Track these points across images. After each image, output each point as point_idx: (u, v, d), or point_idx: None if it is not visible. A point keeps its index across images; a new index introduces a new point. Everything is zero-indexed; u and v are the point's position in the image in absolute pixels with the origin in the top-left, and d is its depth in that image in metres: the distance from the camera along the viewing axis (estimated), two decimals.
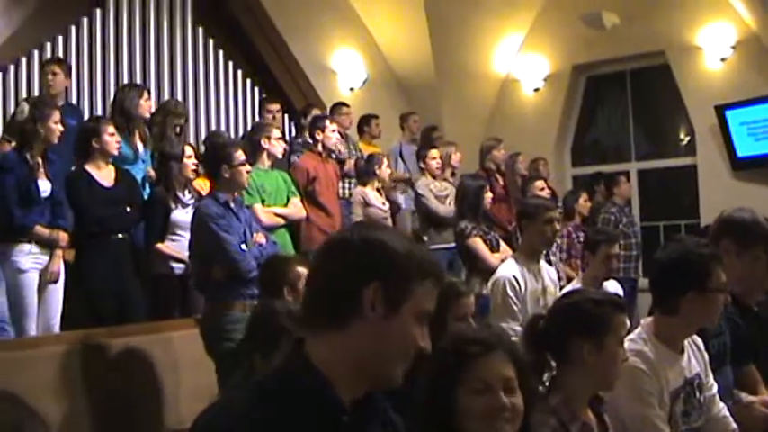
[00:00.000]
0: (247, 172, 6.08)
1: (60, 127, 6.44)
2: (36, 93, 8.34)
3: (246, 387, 2.00)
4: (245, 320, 5.32)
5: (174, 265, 6.86)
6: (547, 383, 3.12)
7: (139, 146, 7.60)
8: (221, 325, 5.55)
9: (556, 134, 12.60)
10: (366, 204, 8.40)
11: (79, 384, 5.79)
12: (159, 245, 6.86)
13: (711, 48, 10.93)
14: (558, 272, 6.93)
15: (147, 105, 7.84)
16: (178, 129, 8.06)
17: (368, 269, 1.93)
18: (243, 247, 5.77)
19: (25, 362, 5.56)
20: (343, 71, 11.93)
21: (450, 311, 4.08)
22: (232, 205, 5.91)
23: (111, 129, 6.75)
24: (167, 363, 6.31)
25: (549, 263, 7.12)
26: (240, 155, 5.95)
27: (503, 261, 6.61)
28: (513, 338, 4.96)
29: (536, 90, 12.69)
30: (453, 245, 8.15)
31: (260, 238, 5.96)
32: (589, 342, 3.02)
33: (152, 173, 7.55)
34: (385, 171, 8.73)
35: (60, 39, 9.25)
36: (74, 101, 9.03)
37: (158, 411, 6.15)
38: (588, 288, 4.77)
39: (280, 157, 7.77)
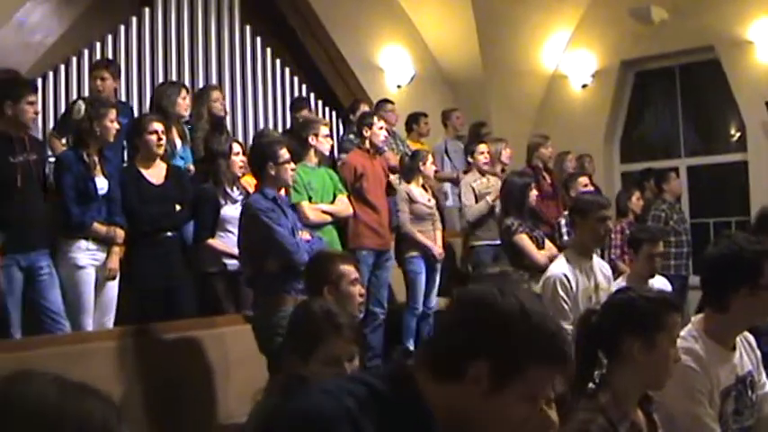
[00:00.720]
0: (292, 170, 6.09)
1: (116, 125, 6.50)
2: (87, 92, 8.42)
3: (359, 384, 1.93)
4: None
5: (226, 261, 6.86)
6: (597, 381, 3.09)
7: (177, 142, 7.65)
8: (274, 321, 5.49)
9: (604, 130, 12.51)
10: (411, 201, 8.39)
11: (130, 379, 5.86)
12: (210, 240, 6.89)
13: (763, 42, 10.77)
14: (612, 268, 6.86)
15: (185, 103, 7.87)
16: (218, 107, 8.14)
17: (483, 342, 1.88)
18: (296, 240, 5.78)
19: (78, 356, 5.64)
20: (391, 68, 11.93)
21: None
22: (279, 201, 5.93)
23: (152, 127, 6.77)
24: (217, 358, 6.37)
25: (603, 258, 7.07)
26: (285, 153, 5.96)
27: (549, 258, 6.59)
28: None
29: (584, 86, 12.61)
30: (498, 241, 8.13)
31: (304, 235, 5.97)
32: (640, 340, 2.97)
33: (191, 168, 7.61)
34: (429, 168, 8.71)
35: (110, 38, 9.35)
36: (123, 99, 9.14)
37: (208, 406, 6.21)
38: (641, 286, 4.70)
39: (327, 154, 7.79)
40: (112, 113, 6.47)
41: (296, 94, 10.95)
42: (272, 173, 5.89)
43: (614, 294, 3.35)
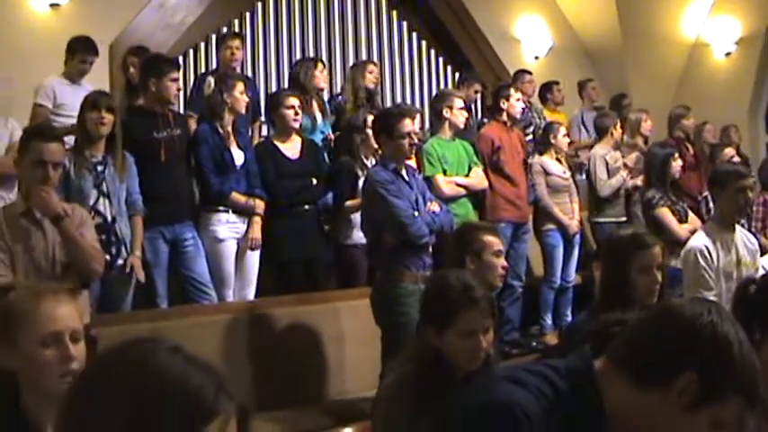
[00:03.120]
0: (410, 144, 5.91)
1: (246, 97, 6.62)
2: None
3: (544, 381, 1.93)
4: (418, 293, 5.32)
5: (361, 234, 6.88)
6: None
7: (318, 116, 7.75)
8: (393, 297, 5.46)
9: (749, 100, 12.16)
10: (546, 173, 8.30)
11: (244, 353, 5.88)
12: (348, 202, 6.90)
13: None
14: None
15: (323, 77, 8.01)
16: (373, 78, 8.28)
17: (700, 357, 1.85)
18: (414, 213, 5.71)
19: (218, 327, 5.78)
20: (528, 39, 11.84)
21: (633, 262, 4.03)
22: (403, 172, 5.82)
23: (289, 102, 6.84)
24: (335, 333, 6.36)
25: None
26: (404, 125, 5.76)
27: (691, 232, 6.42)
28: None
29: (727, 54, 12.27)
30: (624, 218, 8.10)
31: (434, 206, 5.87)
32: None
33: (331, 137, 7.72)
34: (561, 140, 8.57)
35: (248, 15, 9.53)
36: (261, 76, 9.34)
37: (322, 381, 6.20)
38: None
39: (461, 127, 7.76)
40: (241, 85, 6.60)
41: (432, 66, 10.96)
42: (390, 145, 5.80)
43: None
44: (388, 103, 10.10)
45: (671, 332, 1.90)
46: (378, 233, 5.70)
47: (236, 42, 8.05)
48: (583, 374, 1.94)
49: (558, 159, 8.50)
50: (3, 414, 2.42)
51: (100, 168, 5.63)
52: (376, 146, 6.36)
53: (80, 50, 7.27)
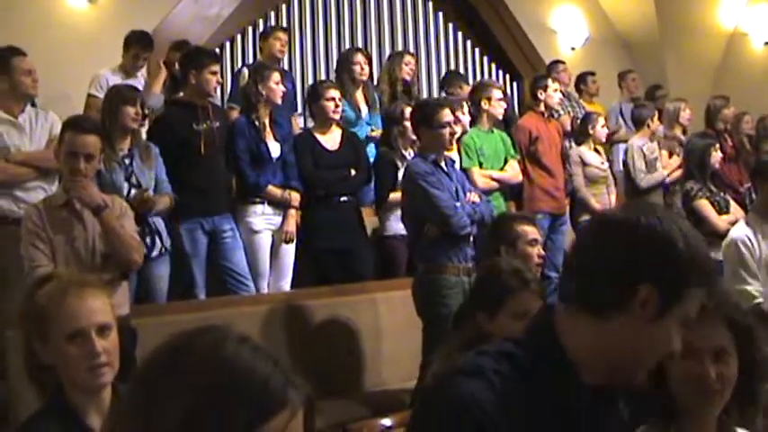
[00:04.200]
0: (451, 134, 5.92)
1: (282, 87, 6.61)
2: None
3: (495, 356, 1.90)
4: (460, 285, 5.34)
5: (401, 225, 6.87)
6: None
7: (363, 107, 7.75)
8: (436, 289, 5.46)
9: None
10: (584, 164, 8.27)
11: (281, 343, 5.88)
12: (390, 195, 6.90)
13: None
14: None
15: (366, 68, 8.01)
16: (409, 70, 8.25)
17: (648, 267, 1.82)
18: (456, 204, 5.70)
19: (255, 317, 5.82)
20: (564, 30, 11.79)
21: None
22: (442, 164, 5.80)
23: (330, 93, 6.84)
24: (373, 324, 6.40)
25: None
26: (441, 117, 5.75)
27: (731, 224, 6.37)
28: (758, 300, 4.79)
29: (766, 44, 12.14)
30: None
31: (474, 197, 5.85)
32: None
33: (372, 133, 7.72)
34: (600, 131, 8.53)
35: (284, 7, 9.56)
36: (297, 68, 9.37)
37: (359, 372, 6.24)
38: None
39: (500, 118, 7.74)
40: (276, 75, 6.59)
41: (469, 58, 10.94)
42: (428, 136, 5.78)
43: None
44: (425, 95, 10.10)
45: (612, 254, 1.85)
46: (419, 225, 5.68)
47: (285, 36, 8.14)
48: (541, 330, 1.92)
49: (596, 150, 8.46)
50: (52, 403, 2.46)
51: (128, 161, 5.69)
52: (414, 137, 6.34)
53: (134, 45, 7.44)
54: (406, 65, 8.34)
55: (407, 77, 8.29)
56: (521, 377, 1.83)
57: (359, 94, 7.86)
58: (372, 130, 7.80)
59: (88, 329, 2.44)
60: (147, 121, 6.07)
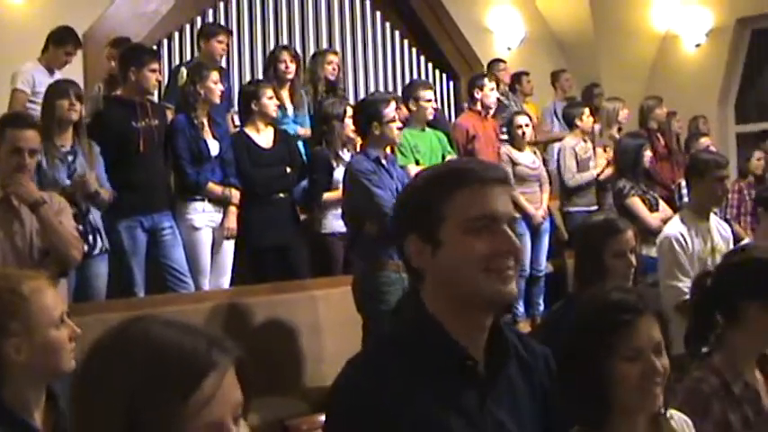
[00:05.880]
0: (398, 128, 6.01)
1: (220, 86, 6.65)
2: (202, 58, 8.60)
3: (379, 341, 2.05)
4: (400, 282, 5.34)
5: (339, 223, 6.89)
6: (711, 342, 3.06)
7: (289, 107, 7.78)
8: (376, 286, 5.52)
9: (719, 91, 12.27)
10: (513, 163, 8.34)
11: (235, 338, 5.89)
12: (327, 193, 6.95)
13: None
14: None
15: (292, 67, 7.98)
16: (332, 69, 8.27)
17: (403, 224, 2.00)
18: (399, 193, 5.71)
19: (194, 315, 5.68)
20: (500, 30, 11.87)
21: (607, 248, 4.07)
22: (384, 162, 5.83)
23: (269, 92, 6.89)
24: (312, 321, 6.42)
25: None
26: (390, 111, 5.85)
27: (662, 221, 6.50)
28: (687, 296, 4.88)
29: (698, 45, 12.36)
30: (594, 207, 8.25)
31: None
32: (757, 302, 2.92)
33: (301, 132, 7.72)
34: (525, 130, 8.56)
35: (222, 5, 9.54)
36: (234, 67, 9.36)
37: (301, 369, 6.27)
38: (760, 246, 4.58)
39: (429, 118, 7.78)
40: (215, 75, 6.62)
41: (406, 57, 10.99)
42: (377, 132, 5.80)
43: (730, 256, 3.30)
44: (361, 94, 10.13)
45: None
46: (360, 223, 5.73)
47: (227, 39, 8.12)
48: (413, 306, 2.01)
49: (531, 150, 8.57)
50: None
51: (70, 158, 5.66)
52: (353, 135, 6.38)
53: (65, 42, 7.34)
54: (329, 64, 8.30)
55: (331, 76, 8.27)
56: (402, 354, 1.91)
57: (285, 93, 7.84)
58: (301, 129, 7.80)
59: (63, 317, 2.50)
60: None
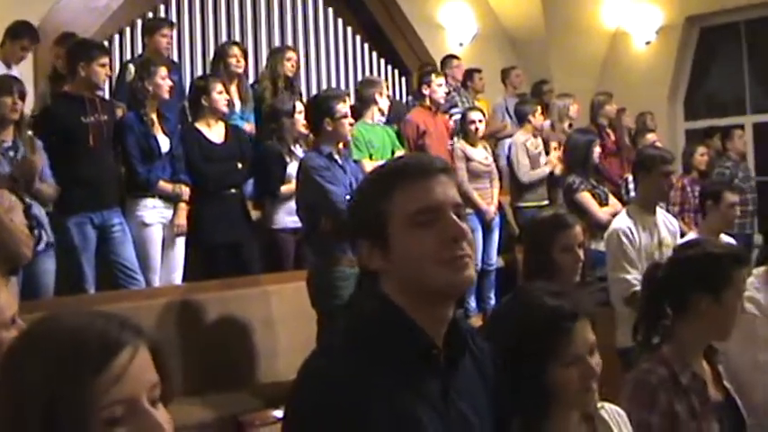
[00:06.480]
0: (350, 124, 6.05)
1: (169, 82, 6.62)
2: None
3: (339, 334, 2.03)
4: (354, 277, 5.40)
5: (291, 219, 6.89)
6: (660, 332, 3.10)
7: (237, 102, 7.78)
8: (330, 281, 5.55)
9: (668, 88, 12.40)
10: (467, 159, 8.38)
11: (173, 337, 5.90)
12: (282, 188, 6.97)
13: None
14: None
15: (242, 62, 8.02)
16: (291, 66, 8.28)
17: (354, 230, 2.05)
18: (348, 198, 5.73)
19: (145, 311, 5.75)
20: (452, 26, 11.90)
21: (555, 242, 4.10)
22: (336, 157, 5.86)
23: (219, 87, 6.88)
24: (265, 316, 6.43)
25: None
26: (342, 107, 5.87)
27: (612, 215, 6.56)
28: (636, 288, 4.92)
29: (647, 43, 12.48)
30: (545, 202, 8.37)
31: None
32: (708, 295, 2.97)
33: (247, 128, 7.70)
34: (478, 126, 8.63)
35: (173, 0, 9.49)
36: (186, 61, 9.32)
37: (255, 365, 6.28)
38: (712, 239, 4.63)
39: (385, 112, 7.81)
40: (163, 71, 6.60)
41: (358, 53, 11.00)
42: (329, 128, 5.82)
43: (681, 249, 3.33)
44: (314, 90, 10.13)
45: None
46: (314, 219, 5.74)
47: (171, 32, 8.07)
48: (372, 296, 2.02)
49: (483, 146, 8.62)
50: None
51: (12, 154, 5.62)
52: (305, 131, 6.38)
53: (20, 36, 7.30)
54: (288, 60, 8.31)
55: (290, 73, 8.28)
56: (365, 347, 1.91)
57: (233, 88, 7.83)
58: (246, 125, 7.79)
59: (15, 318, 2.47)
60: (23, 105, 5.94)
